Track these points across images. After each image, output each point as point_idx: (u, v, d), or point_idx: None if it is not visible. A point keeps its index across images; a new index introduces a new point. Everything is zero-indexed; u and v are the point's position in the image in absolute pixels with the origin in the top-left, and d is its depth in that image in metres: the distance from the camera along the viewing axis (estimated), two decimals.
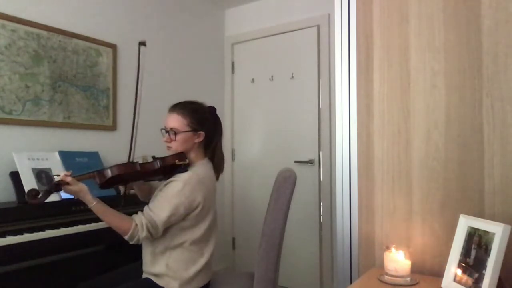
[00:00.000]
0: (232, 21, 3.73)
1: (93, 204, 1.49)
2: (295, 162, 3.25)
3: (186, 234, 1.58)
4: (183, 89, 3.24)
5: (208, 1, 3.56)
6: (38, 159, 2.06)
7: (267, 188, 1.99)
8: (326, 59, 3.16)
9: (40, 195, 1.43)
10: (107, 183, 1.58)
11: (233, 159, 3.66)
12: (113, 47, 2.68)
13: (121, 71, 2.75)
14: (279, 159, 3.33)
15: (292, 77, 3.32)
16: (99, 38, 2.59)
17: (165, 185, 1.57)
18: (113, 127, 2.66)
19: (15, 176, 1.96)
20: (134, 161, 1.64)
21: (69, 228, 1.86)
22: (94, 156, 2.34)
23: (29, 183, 1.95)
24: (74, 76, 2.44)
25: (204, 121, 1.66)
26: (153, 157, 1.65)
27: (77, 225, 1.90)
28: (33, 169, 2.01)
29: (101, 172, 1.55)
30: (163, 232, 1.56)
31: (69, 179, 1.47)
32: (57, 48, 2.35)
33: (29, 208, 1.87)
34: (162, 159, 1.63)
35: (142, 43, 1.66)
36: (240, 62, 3.67)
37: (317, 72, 3.21)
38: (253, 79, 3.56)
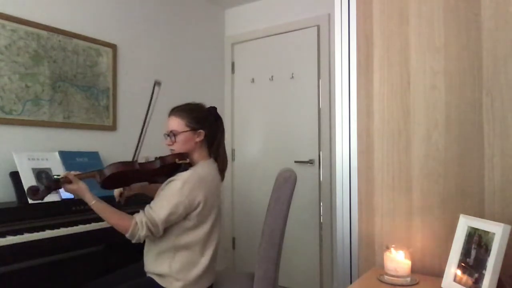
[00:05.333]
0: (232, 21, 3.73)
1: (93, 202, 1.51)
2: (295, 162, 3.25)
3: (189, 235, 1.57)
4: (183, 89, 3.24)
5: (208, 1, 3.56)
6: (38, 159, 2.06)
7: (267, 188, 1.99)
8: (326, 59, 3.16)
9: (40, 191, 1.48)
10: (108, 183, 1.58)
11: (233, 159, 3.66)
12: (113, 47, 2.68)
13: (121, 71, 2.75)
14: (279, 159, 3.33)
15: (292, 77, 3.32)
16: (99, 38, 2.59)
17: (166, 184, 1.57)
18: (113, 127, 2.66)
19: (15, 176, 1.96)
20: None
21: (69, 228, 1.86)
22: (94, 156, 2.34)
23: (29, 183, 1.94)
24: (74, 76, 2.44)
25: (202, 120, 1.67)
26: (156, 158, 1.66)
27: (77, 225, 1.90)
28: (33, 169, 2.01)
29: (101, 171, 1.56)
30: (167, 233, 1.56)
31: (71, 176, 1.51)
32: (57, 48, 2.35)
33: (29, 208, 1.87)
34: (162, 158, 1.63)
35: (158, 83, 1.70)
36: (240, 62, 3.67)
37: (317, 72, 3.21)
38: (253, 79, 3.56)
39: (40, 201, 1.54)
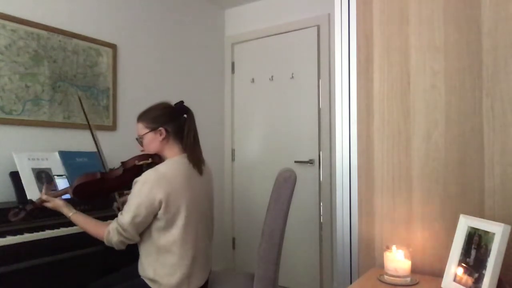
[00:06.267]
0: (232, 21, 3.73)
1: (70, 215, 1.63)
2: (295, 162, 3.25)
3: (164, 236, 1.54)
4: (183, 89, 3.24)
5: (208, 1, 3.56)
6: (38, 159, 2.06)
7: (267, 188, 1.99)
8: (326, 59, 3.16)
9: (19, 213, 1.62)
10: (80, 195, 1.68)
11: (233, 159, 3.66)
12: (113, 47, 2.68)
13: (121, 71, 2.75)
14: (279, 159, 3.33)
15: (292, 77, 3.32)
16: (99, 38, 2.59)
17: (133, 186, 1.56)
18: (113, 127, 2.66)
19: (15, 176, 1.96)
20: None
21: (69, 228, 1.86)
22: (94, 156, 2.34)
23: (29, 183, 1.95)
24: (74, 76, 2.44)
25: (159, 117, 1.64)
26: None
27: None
28: (33, 169, 2.01)
29: (71, 185, 1.67)
30: (147, 235, 1.56)
31: (44, 197, 1.64)
32: (57, 48, 2.35)
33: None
34: (123, 163, 1.67)
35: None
36: (240, 62, 3.68)
37: (317, 72, 3.21)
38: (253, 79, 3.56)
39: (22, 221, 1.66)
